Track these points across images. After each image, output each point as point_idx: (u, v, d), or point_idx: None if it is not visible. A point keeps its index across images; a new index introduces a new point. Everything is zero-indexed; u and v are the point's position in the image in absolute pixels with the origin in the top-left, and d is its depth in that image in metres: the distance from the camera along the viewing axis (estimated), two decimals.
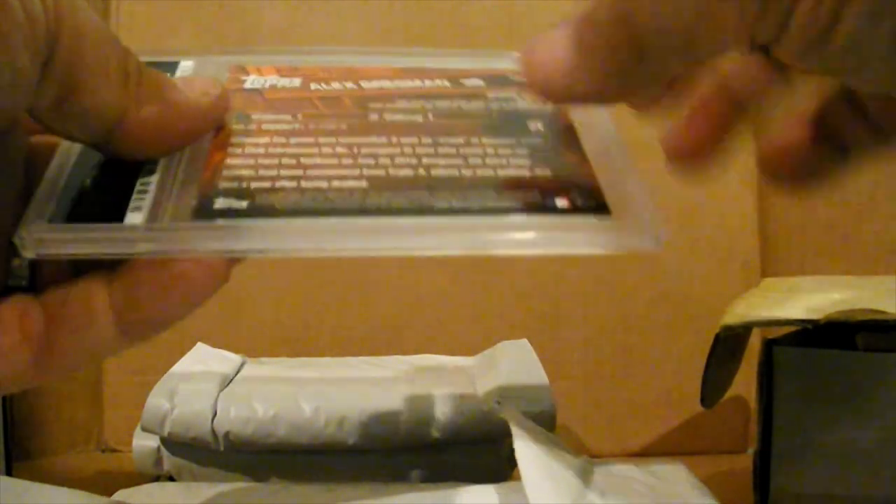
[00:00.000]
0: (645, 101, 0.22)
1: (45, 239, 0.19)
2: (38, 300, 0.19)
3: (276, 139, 0.21)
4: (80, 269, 0.20)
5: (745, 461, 0.44)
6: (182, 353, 0.46)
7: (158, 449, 0.40)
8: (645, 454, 0.56)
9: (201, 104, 0.21)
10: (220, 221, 0.19)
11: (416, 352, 0.51)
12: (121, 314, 0.19)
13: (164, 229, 0.19)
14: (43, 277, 0.20)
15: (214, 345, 0.48)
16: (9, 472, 0.47)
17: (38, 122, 0.19)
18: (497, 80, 0.25)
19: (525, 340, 0.47)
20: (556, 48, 0.19)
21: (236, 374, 0.44)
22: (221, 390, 0.40)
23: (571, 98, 0.20)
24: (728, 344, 0.41)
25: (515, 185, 0.20)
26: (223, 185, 0.20)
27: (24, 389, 0.20)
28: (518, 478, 0.28)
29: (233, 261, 0.20)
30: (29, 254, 0.19)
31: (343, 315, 0.56)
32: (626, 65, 0.19)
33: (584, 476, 0.30)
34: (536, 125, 0.23)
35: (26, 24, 0.16)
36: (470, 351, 0.49)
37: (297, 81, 0.23)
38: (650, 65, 0.19)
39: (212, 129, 0.21)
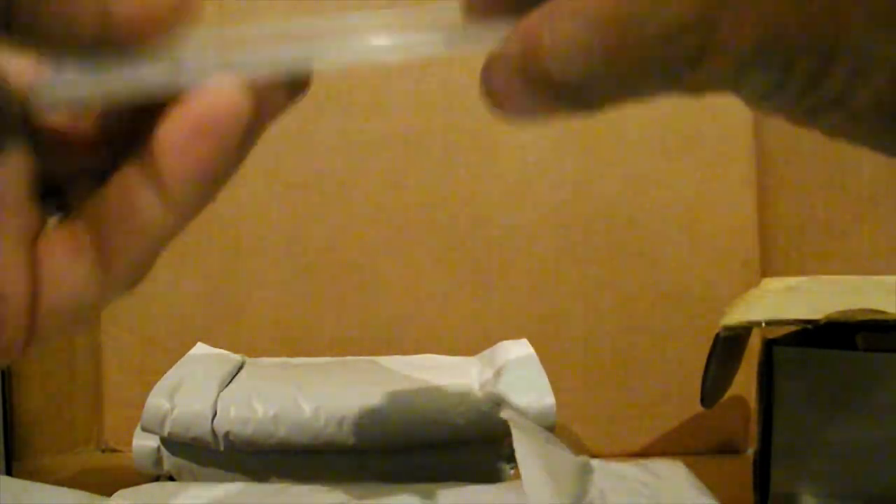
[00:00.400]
0: None
1: (61, 83, 0.18)
2: (80, 217, 0.19)
3: None
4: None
5: (745, 461, 0.44)
6: (182, 353, 0.46)
7: (158, 449, 0.40)
8: (645, 454, 0.56)
9: None
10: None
11: (416, 352, 0.51)
12: (162, 184, 0.18)
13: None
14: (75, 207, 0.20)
15: (214, 345, 0.48)
16: (9, 472, 0.47)
17: (16, 39, 0.17)
18: None
19: (525, 340, 0.47)
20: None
21: (236, 374, 0.44)
22: (221, 390, 0.40)
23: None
24: (728, 344, 0.41)
25: None
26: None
27: (94, 315, 0.19)
28: (518, 478, 0.28)
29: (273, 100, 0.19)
30: (43, 101, 0.18)
31: (343, 315, 0.56)
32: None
33: (584, 476, 0.30)
34: None
35: None
36: (470, 351, 0.49)
37: None
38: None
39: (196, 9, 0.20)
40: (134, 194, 0.18)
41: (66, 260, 0.18)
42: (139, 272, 0.19)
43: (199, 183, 0.18)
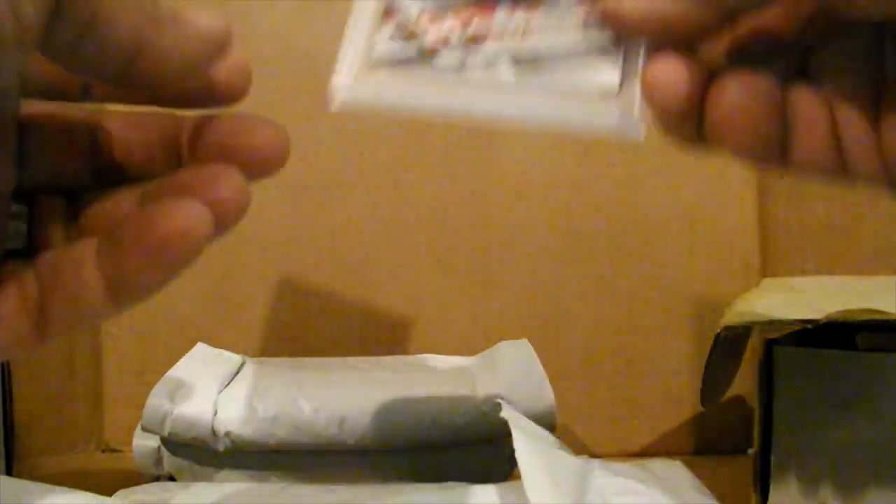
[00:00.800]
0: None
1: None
2: (33, 267, 0.19)
3: None
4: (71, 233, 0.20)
5: (745, 461, 0.44)
6: (182, 353, 0.46)
7: (158, 449, 0.40)
8: (645, 454, 0.56)
9: (214, 27, 0.20)
10: None
11: (416, 352, 0.51)
12: (110, 282, 0.19)
13: None
14: (37, 241, 0.20)
15: (214, 345, 0.48)
16: (9, 472, 0.47)
17: (51, 60, 0.18)
18: None
19: (525, 340, 0.47)
20: None
21: (236, 374, 0.44)
22: (221, 390, 0.40)
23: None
24: (728, 344, 0.41)
25: None
26: None
27: (26, 355, 0.20)
28: (518, 478, 0.28)
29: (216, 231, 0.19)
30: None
31: (343, 315, 0.56)
32: None
33: (584, 476, 0.30)
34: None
35: None
36: (470, 351, 0.49)
37: None
38: None
39: (224, 53, 0.21)
40: (84, 282, 0.19)
41: (11, 312, 0.19)
42: (71, 333, 0.20)
43: (147, 294, 0.19)
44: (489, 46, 0.23)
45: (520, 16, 0.23)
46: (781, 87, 0.22)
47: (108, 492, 0.35)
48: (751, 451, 0.41)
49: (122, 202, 0.21)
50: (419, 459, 0.39)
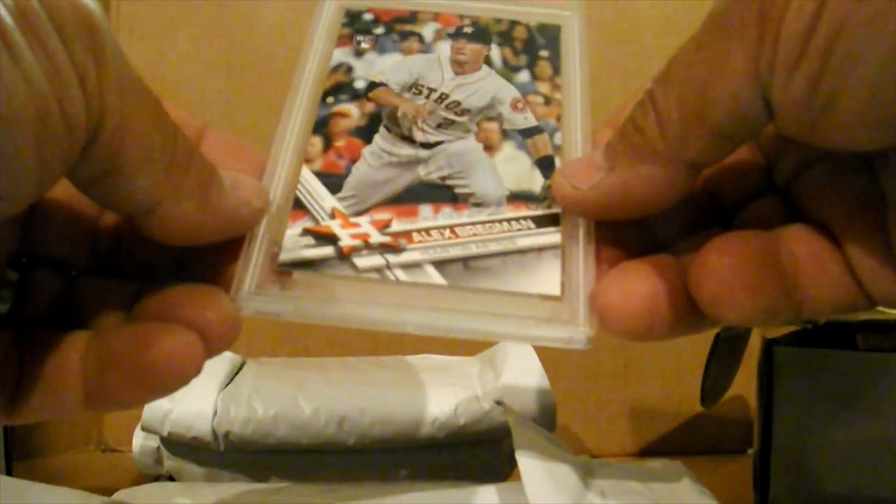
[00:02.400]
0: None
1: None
2: (16, 346, 0.19)
3: None
4: (61, 320, 0.21)
5: (745, 461, 0.44)
6: None
7: (158, 449, 0.40)
8: (645, 454, 0.56)
9: (239, 213, 0.20)
10: None
11: (416, 352, 0.51)
12: (90, 391, 0.19)
13: None
14: (25, 310, 0.20)
15: None
16: (9, 472, 0.47)
17: (73, 182, 0.18)
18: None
19: None
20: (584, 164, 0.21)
21: (236, 374, 0.44)
22: (221, 390, 0.40)
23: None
24: (728, 344, 0.41)
25: None
26: None
27: None
28: (518, 478, 0.28)
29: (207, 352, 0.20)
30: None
31: None
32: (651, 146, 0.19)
33: (584, 476, 0.30)
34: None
35: (64, 135, 0.16)
36: (470, 351, 0.49)
37: None
38: (676, 141, 0.19)
39: (243, 233, 0.21)
40: (65, 381, 0.19)
41: None
42: (42, 420, 0.20)
43: (124, 408, 0.19)
44: (413, 248, 0.21)
45: (446, 214, 0.22)
46: (770, 236, 0.20)
47: (108, 492, 0.35)
48: (751, 451, 0.41)
49: (116, 296, 0.21)
50: (419, 459, 0.39)
